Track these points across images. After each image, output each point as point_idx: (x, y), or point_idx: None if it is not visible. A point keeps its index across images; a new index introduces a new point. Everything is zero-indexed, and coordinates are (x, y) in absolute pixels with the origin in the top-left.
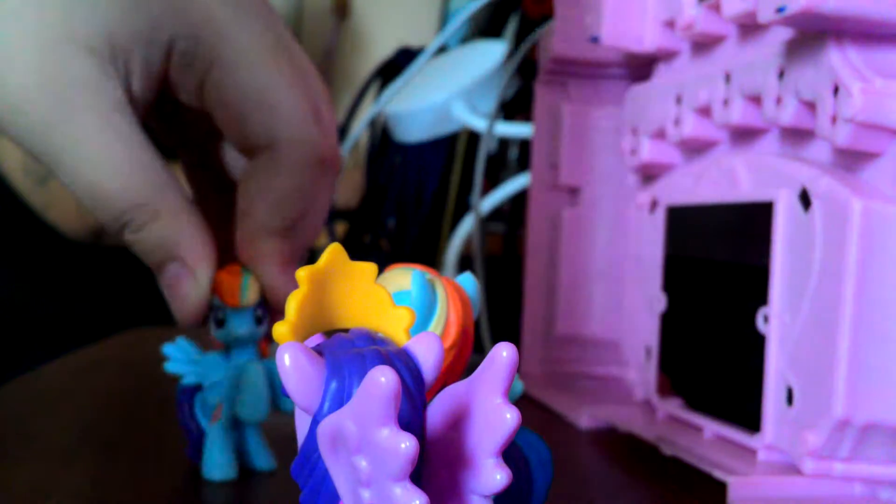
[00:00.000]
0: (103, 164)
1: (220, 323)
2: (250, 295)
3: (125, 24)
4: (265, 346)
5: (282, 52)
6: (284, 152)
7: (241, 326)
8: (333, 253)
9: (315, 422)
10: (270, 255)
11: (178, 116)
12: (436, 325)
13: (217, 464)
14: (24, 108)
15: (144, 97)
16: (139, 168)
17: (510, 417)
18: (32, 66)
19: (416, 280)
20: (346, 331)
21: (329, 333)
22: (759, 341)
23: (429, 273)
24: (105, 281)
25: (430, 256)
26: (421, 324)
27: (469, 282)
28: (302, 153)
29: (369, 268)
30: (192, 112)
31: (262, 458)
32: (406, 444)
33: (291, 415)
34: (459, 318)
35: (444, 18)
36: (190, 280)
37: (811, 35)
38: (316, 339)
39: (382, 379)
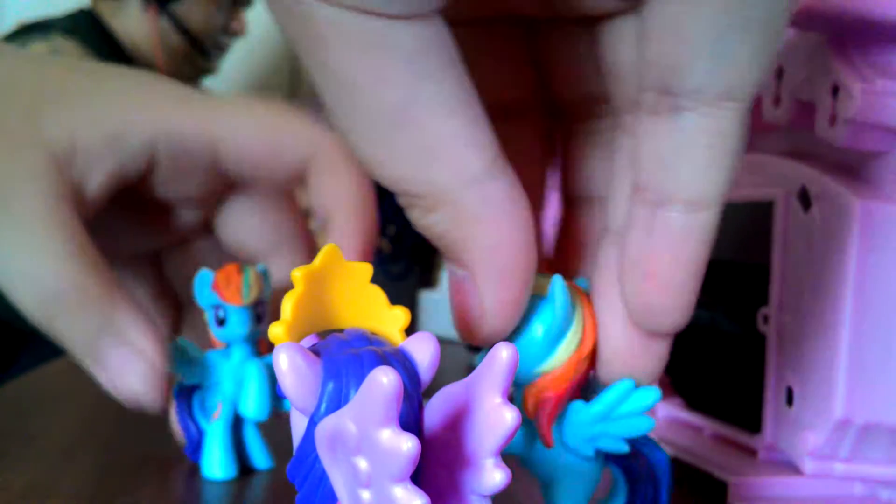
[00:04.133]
0: (28, 248)
1: (221, 322)
2: (251, 293)
3: (92, 128)
4: (264, 344)
5: (253, 104)
6: (328, 151)
7: (242, 325)
8: (329, 253)
9: (312, 422)
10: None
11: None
12: (574, 335)
13: (217, 462)
14: None
15: (97, 196)
16: (68, 253)
17: (510, 417)
18: None
19: (559, 286)
20: (342, 331)
21: (324, 334)
22: (759, 341)
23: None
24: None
25: (429, 258)
26: (558, 333)
27: (586, 287)
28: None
29: (365, 268)
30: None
31: (262, 457)
32: (408, 445)
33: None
34: (594, 326)
35: None
36: (141, 362)
37: (811, 35)
38: (311, 340)
39: (384, 380)
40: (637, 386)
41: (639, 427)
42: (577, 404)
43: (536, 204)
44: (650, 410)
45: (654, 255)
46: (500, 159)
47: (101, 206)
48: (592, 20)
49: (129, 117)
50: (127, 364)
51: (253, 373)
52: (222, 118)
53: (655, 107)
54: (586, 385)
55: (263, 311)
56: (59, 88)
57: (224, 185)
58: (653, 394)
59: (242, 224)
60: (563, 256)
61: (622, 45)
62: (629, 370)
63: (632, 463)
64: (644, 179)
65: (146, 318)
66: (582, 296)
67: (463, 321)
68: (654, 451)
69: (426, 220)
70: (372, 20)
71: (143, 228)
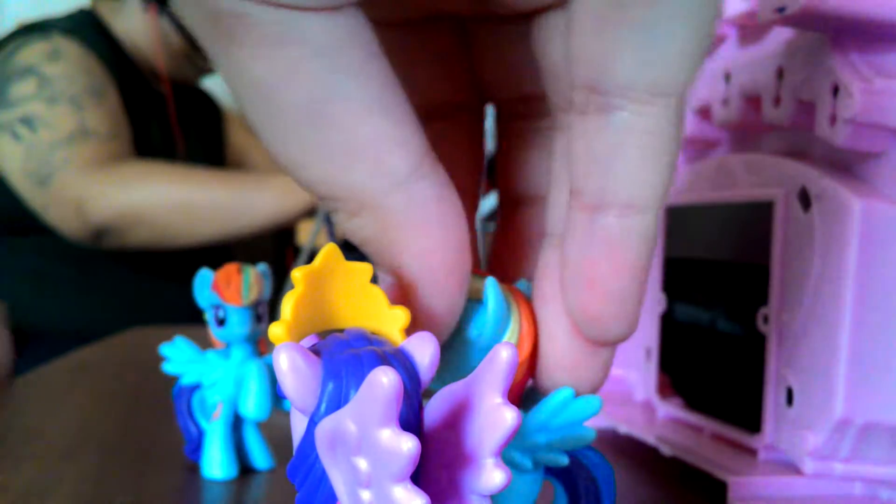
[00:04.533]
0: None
1: (221, 322)
2: (251, 293)
3: None
4: (264, 344)
5: None
6: None
7: (242, 325)
8: (329, 253)
9: (312, 422)
10: None
11: None
12: (509, 337)
13: (217, 462)
14: None
15: None
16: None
17: (510, 417)
18: None
19: (492, 289)
20: (342, 331)
21: (324, 334)
22: (759, 341)
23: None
24: (105, 281)
25: None
26: (492, 337)
27: (527, 289)
28: None
29: (365, 268)
30: None
31: (262, 457)
32: (408, 445)
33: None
34: (532, 330)
35: None
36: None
37: (811, 35)
38: (311, 340)
39: (385, 380)
40: (578, 395)
41: (579, 438)
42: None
43: (472, 205)
44: (589, 421)
45: (593, 263)
46: (429, 159)
47: None
48: (524, 17)
49: None
50: None
51: (253, 373)
52: None
53: (585, 106)
54: (525, 394)
55: (264, 311)
56: None
57: None
58: (594, 403)
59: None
60: (503, 258)
61: (553, 41)
62: (572, 379)
63: (573, 476)
64: (579, 183)
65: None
66: (519, 299)
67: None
68: (597, 464)
69: (350, 225)
70: (281, 12)
71: None
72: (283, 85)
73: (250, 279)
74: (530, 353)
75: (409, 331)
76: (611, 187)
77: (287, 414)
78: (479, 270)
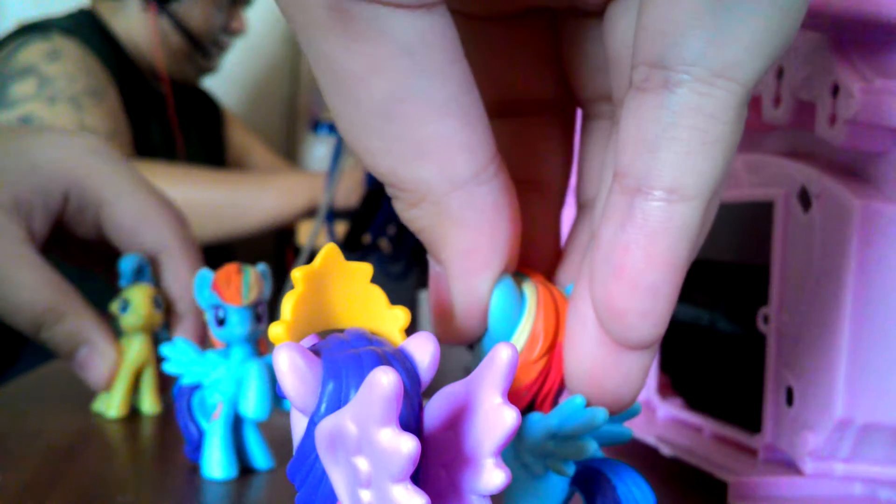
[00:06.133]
0: (15, 282)
1: (221, 322)
2: (251, 294)
3: (26, 183)
4: (264, 344)
5: (143, 184)
6: (175, 250)
7: (242, 325)
8: (328, 253)
9: (312, 423)
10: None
11: (78, 247)
12: (518, 335)
13: (217, 462)
14: None
15: (42, 233)
16: (44, 283)
17: (510, 417)
18: None
19: (501, 284)
20: (342, 331)
21: (324, 334)
22: (759, 341)
23: (528, 277)
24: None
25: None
26: (502, 331)
27: None
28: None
29: (364, 268)
30: (89, 243)
31: (262, 457)
32: (408, 445)
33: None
34: (551, 329)
35: None
36: (97, 356)
37: (811, 35)
38: (311, 340)
39: (384, 380)
40: (610, 406)
41: (581, 450)
42: (534, 416)
43: (556, 201)
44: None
45: (626, 249)
46: (494, 164)
47: (45, 243)
48: (602, 9)
49: (46, 175)
50: (91, 360)
51: (253, 373)
52: (108, 186)
53: (645, 83)
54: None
55: (263, 311)
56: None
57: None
58: (599, 415)
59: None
60: (564, 261)
61: (620, 28)
62: (593, 388)
63: (596, 493)
64: (624, 164)
65: (104, 324)
66: (545, 297)
67: (437, 316)
68: (629, 486)
69: (408, 214)
70: (373, 8)
71: (72, 255)
72: (366, 79)
73: (250, 279)
74: (547, 351)
75: (447, 322)
76: (657, 169)
77: (287, 414)
78: (527, 270)
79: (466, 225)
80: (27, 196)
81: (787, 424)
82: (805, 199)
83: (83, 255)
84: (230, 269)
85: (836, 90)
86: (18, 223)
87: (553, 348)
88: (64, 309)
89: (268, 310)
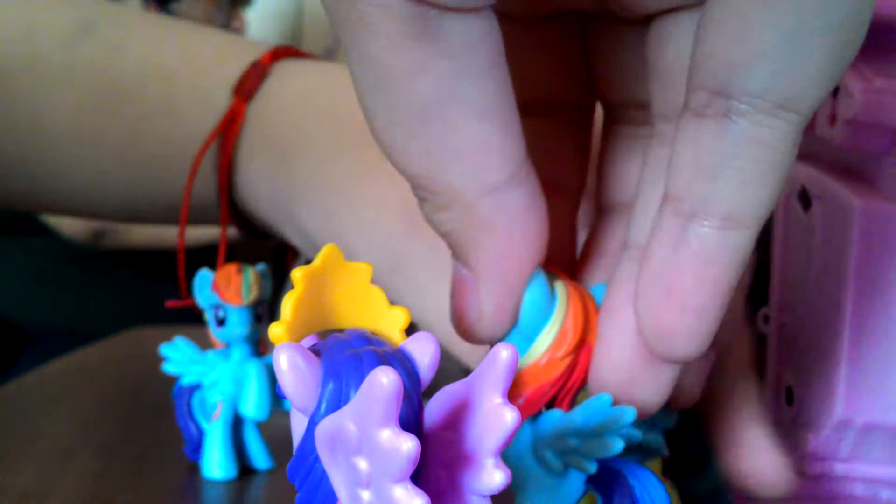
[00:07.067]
0: None
1: (221, 322)
2: (252, 293)
3: None
4: (264, 344)
5: None
6: None
7: (241, 325)
8: (329, 253)
9: (312, 423)
10: None
11: None
12: (548, 331)
13: (217, 462)
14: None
15: None
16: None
17: (510, 417)
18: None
19: (535, 280)
20: (342, 331)
21: (324, 334)
22: (759, 341)
23: (556, 276)
24: (105, 281)
25: None
26: (533, 326)
27: (603, 293)
28: None
29: (365, 268)
30: None
31: (262, 457)
32: (408, 445)
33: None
34: (579, 327)
35: None
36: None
37: None
38: (311, 340)
39: (384, 380)
40: (638, 407)
41: (605, 449)
42: (555, 412)
43: (574, 203)
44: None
45: (678, 273)
46: (525, 167)
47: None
48: (644, 19)
49: None
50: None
51: (253, 373)
52: None
53: (705, 108)
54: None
55: (263, 311)
56: None
57: None
58: (628, 413)
59: None
60: (586, 262)
61: (672, 43)
62: (624, 394)
63: (615, 493)
64: (679, 188)
65: None
66: (574, 295)
67: (460, 320)
68: (646, 488)
69: (436, 217)
70: (422, 8)
71: None
72: (407, 79)
73: (250, 279)
74: (575, 349)
75: (472, 326)
76: (715, 197)
77: (287, 414)
78: (555, 269)
79: (498, 230)
80: None
81: (787, 424)
82: (805, 199)
83: None
84: (230, 269)
85: (836, 90)
86: None
87: (580, 346)
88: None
89: (268, 310)
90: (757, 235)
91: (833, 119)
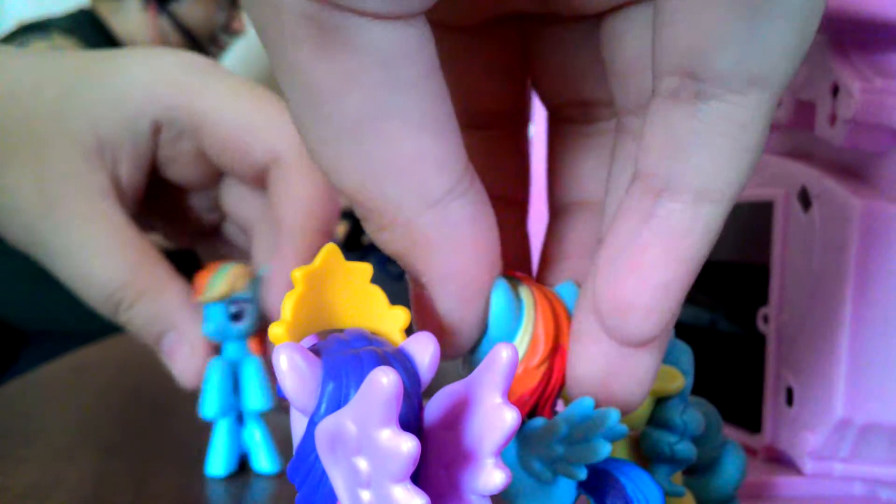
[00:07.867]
0: (87, 248)
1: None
2: (216, 289)
3: (110, 117)
4: (255, 343)
5: (250, 89)
6: (289, 159)
7: (212, 320)
8: (328, 253)
9: (312, 423)
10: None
11: (172, 204)
12: (520, 341)
13: (219, 461)
14: (18, 206)
15: (134, 181)
16: (123, 249)
17: (510, 417)
18: (27, 167)
19: (498, 288)
20: (342, 331)
21: (324, 334)
22: (759, 341)
23: (520, 280)
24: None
25: None
26: (503, 335)
27: (570, 292)
28: (303, 154)
29: (365, 268)
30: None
31: (270, 461)
32: (408, 445)
33: None
34: (550, 333)
35: None
36: (186, 345)
37: None
38: (311, 340)
39: (384, 380)
40: (619, 407)
41: (592, 453)
42: (536, 421)
43: (520, 214)
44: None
45: (644, 247)
46: (467, 176)
47: (139, 197)
48: (590, 18)
49: (135, 103)
50: (177, 350)
51: (248, 368)
52: (207, 101)
53: (675, 92)
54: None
55: (241, 309)
56: (77, 81)
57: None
58: (612, 414)
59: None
60: (546, 266)
61: (629, 37)
62: (603, 390)
63: (606, 493)
64: (650, 165)
65: (191, 306)
66: (540, 298)
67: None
68: (638, 485)
69: (380, 237)
70: (348, 17)
71: (172, 221)
72: (339, 94)
73: (222, 275)
74: (549, 355)
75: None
76: (687, 173)
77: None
78: (517, 273)
79: (444, 245)
80: (113, 134)
81: (787, 424)
82: (805, 199)
83: (177, 216)
84: (213, 266)
85: (836, 90)
86: (101, 169)
87: (554, 352)
88: (145, 284)
89: (256, 309)
90: (727, 212)
91: (833, 119)
